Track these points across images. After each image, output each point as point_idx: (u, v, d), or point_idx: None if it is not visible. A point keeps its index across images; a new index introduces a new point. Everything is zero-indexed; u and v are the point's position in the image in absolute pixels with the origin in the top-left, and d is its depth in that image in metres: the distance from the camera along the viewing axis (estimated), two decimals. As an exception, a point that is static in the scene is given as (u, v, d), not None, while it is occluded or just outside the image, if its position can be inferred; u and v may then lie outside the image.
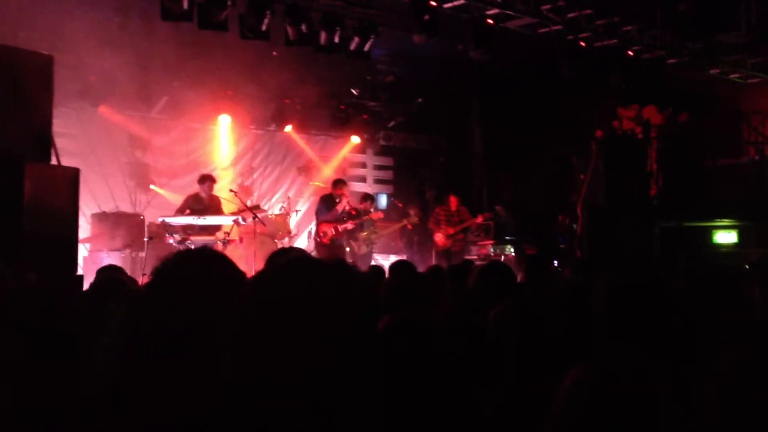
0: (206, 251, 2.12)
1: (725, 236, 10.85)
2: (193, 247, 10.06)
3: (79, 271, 8.17)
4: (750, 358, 1.68)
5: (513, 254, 12.81)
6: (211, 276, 1.92)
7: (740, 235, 10.73)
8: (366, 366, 1.50)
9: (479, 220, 13.12)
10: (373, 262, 11.87)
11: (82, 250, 10.41)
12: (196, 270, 1.93)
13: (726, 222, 10.88)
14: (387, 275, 5.95)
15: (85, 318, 3.56)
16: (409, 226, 13.33)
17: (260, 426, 1.47)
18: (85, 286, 6.44)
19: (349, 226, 11.86)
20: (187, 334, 1.79)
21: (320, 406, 1.44)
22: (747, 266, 6.50)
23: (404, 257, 12.37)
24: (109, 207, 11.94)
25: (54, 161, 7.74)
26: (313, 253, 11.08)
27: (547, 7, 11.19)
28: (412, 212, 13.92)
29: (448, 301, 3.83)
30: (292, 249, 5.38)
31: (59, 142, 8.07)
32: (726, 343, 1.74)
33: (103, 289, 4.02)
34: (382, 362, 1.56)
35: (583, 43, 11.88)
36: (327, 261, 1.68)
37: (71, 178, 7.54)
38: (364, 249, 12.21)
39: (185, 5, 9.15)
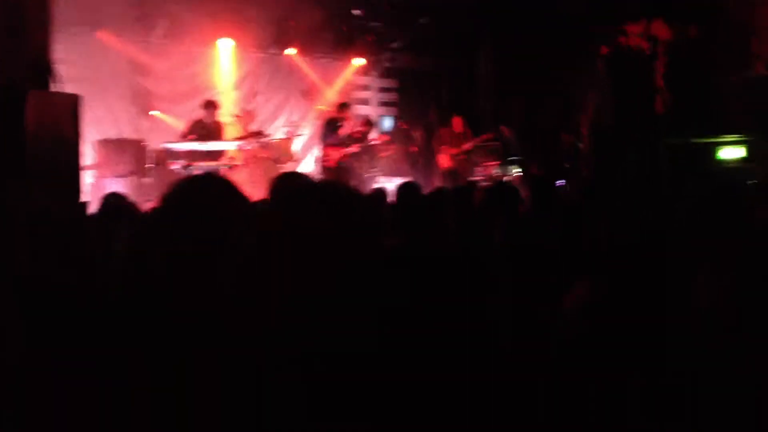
0: (211, 177, 2.12)
1: (733, 151, 10.75)
2: (197, 172, 10.08)
3: (85, 198, 8.19)
4: (747, 278, 1.68)
5: (517, 174, 12.78)
6: (215, 200, 1.92)
7: (749, 150, 10.64)
8: (362, 289, 1.51)
9: (481, 139, 13.05)
10: (378, 184, 11.88)
11: (88, 177, 10.42)
12: (201, 195, 1.94)
13: (734, 137, 10.77)
14: (392, 197, 5.94)
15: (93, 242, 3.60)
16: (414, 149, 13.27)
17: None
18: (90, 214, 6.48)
19: (354, 149, 11.82)
20: (192, 254, 1.81)
21: (316, 329, 1.47)
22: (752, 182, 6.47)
23: (410, 179, 12.34)
24: (111, 133, 11.89)
25: (54, 88, 7.67)
26: (319, 177, 11.08)
27: None
28: (415, 135, 13.85)
29: (452, 222, 3.83)
30: (294, 175, 5.37)
31: (59, 68, 7.98)
32: (724, 262, 1.74)
33: (106, 215, 4.04)
34: (380, 286, 1.57)
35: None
36: (326, 186, 1.68)
37: (72, 104, 7.47)
38: (368, 172, 12.19)
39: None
